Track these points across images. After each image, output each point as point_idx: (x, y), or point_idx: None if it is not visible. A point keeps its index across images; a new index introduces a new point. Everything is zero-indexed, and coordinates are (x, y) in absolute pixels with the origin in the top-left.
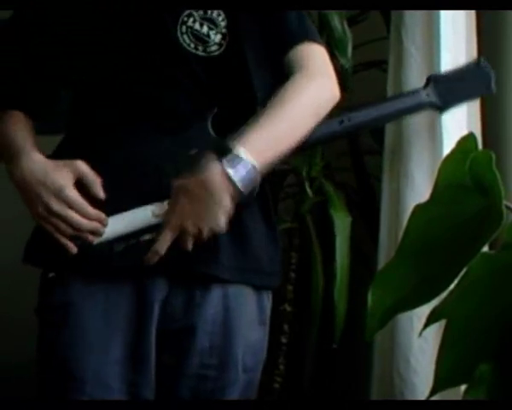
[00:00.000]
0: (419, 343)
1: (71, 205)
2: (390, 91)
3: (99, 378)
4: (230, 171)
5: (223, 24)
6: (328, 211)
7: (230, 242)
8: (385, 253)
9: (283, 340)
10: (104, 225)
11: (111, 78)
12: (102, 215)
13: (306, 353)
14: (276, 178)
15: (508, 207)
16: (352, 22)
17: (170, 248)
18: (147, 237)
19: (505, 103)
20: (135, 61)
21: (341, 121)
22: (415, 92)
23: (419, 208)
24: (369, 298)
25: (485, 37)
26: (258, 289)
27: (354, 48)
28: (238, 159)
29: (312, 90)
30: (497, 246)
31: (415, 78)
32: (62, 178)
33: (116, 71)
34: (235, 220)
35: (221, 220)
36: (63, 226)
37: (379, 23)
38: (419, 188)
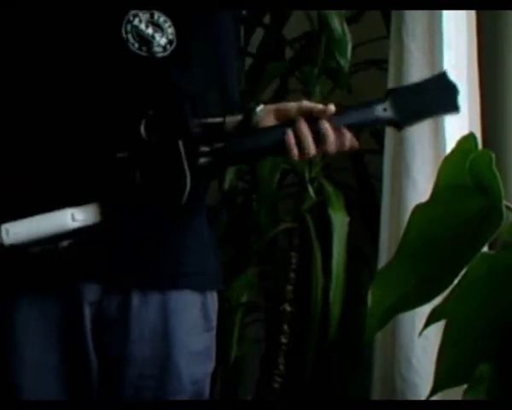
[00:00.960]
0: (421, 344)
1: None
2: None
3: (37, 384)
4: None
5: (170, 30)
6: (327, 211)
7: (166, 245)
8: (385, 253)
9: (283, 340)
10: None
11: (49, 73)
12: None
13: (306, 353)
14: (276, 178)
15: (508, 207)
16: (350, 21)
17: (103, 254)
18: (65, 242)
19: (505, 103)
20: (76, 59)
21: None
22: (370, 105)
23: (419, 208)
24: (369, 298)
25: (486, 37)
26: (201, 292)
27: (354, 47)
28: None
29: None
30: (497, 246)
31: (416, 77)
32: None
33: (55, 67)
34: (169, 221)
35: None
36: None
37: (379, 22)
38: (421, 188)
